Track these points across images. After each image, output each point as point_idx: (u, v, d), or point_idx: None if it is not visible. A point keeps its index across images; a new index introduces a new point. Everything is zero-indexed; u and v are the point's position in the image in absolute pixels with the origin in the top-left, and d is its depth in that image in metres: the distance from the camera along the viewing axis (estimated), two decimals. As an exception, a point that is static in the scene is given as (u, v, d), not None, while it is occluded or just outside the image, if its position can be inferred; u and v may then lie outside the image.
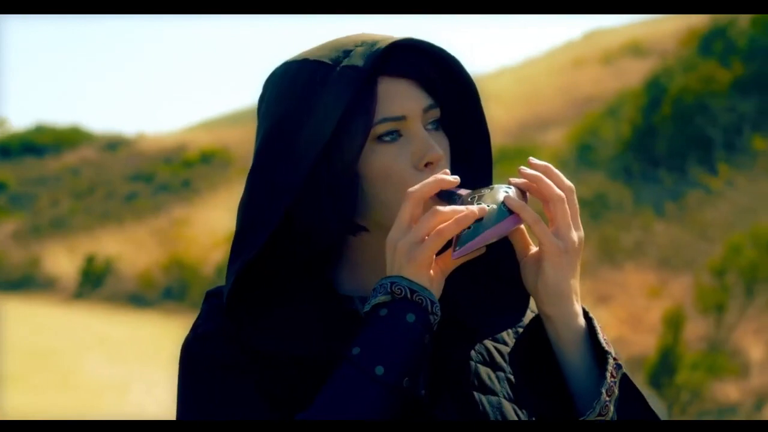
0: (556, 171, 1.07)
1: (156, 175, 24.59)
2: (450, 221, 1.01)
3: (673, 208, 9.72)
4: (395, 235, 1.03)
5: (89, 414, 7.17)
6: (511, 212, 1.04)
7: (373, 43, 1.08)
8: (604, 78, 17.65)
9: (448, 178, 1.05)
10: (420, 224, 1.02)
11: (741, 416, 6.29)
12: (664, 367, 6.55)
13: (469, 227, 1.02)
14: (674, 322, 6.63)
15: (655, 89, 12.29)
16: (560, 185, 1.06)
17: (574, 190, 1.07)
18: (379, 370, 1.00)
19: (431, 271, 1.03)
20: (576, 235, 1.05)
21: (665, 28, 17.41)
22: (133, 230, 18.97)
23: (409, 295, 1.01)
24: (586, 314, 1.08)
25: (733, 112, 10.79)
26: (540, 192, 1.06)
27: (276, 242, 1.10)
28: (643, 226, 9.14)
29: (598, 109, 14.24)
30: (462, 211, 1.02)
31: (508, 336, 1.16)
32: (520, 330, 1.15)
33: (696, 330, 7.04)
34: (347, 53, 1.09)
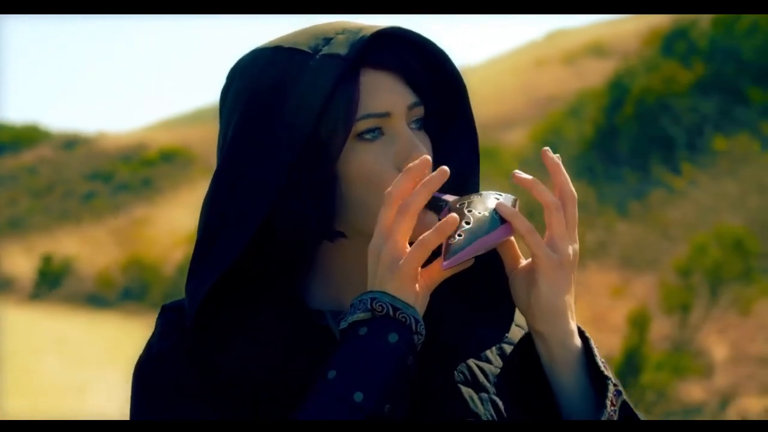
0: (564, 173, 0.98)
1: (115, 174, 24.40)
2: (431, 230, 0.92)
3: (636, 208, 9.78)
4: (377, 242, 0.94)
5: (47, 417, 7.04)
6: (503, 221, 0.96)
7: (357, 31, 0.99)
8: (565, 78, 17.79)
9: (432, 174, 0.95)
10: (395, 229, 0.93)
11: (706, 416, 6.32)
12: (629, 367, 6.56)
13: (459, 235, 0.94)
14: (639, 323, 6.64)
15: (617, 89, 12.38)
16: (563, 191, 0.98)
17: (576, 198, 0.98)
18: (358, 396, 0.90)
19: (416, 286, 0.93)
20: (572, 247, 0.97)
21: (627, 29, 17.57)
22: (91, 230, 18.86)
23: (391, 313, 0.92)
24: (581, 333, 1.00)
25: (695, 112, 10.88)
26: (536, 197, 0.97)
27: (247, 249, 0.99)
28: (606, 225, 9.18)
29: (560, 108, 14.34)
30: (448, 216, 0.93)
31: (491, 353, 1.04)
32: (504, 347, 1.05)
33: (660, 330, 7.08)
34: (327, 41, 0.99)
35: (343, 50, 0.97)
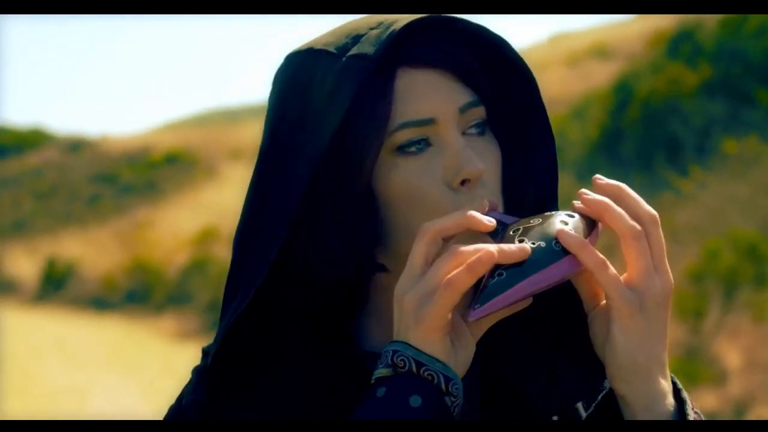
0: (632, 194, 0.80)
1: (119, 177, 24.45)
2: (461, 267, 0.76)
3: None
4: (404, 284, 0.78)
5: (48, 419, 7.01)
6: (566, 252, 0.78)
7: (390, 24, 0.83)
8: (569, 80, 17.77)
9: (478, 216, 0.79)
10: (432, 270, 0.77)
11: (719, 423, 6.21)
12: None
13: (499, 274, 0.77)
14: None
15: (622, 91, 12.34)
16: (637, 215, 0.79)
17: (659, 221, 0.80)
18: None
19: (447, 336, 0.77)
20: (659, 283, 0.78)
21: (630, 31, 17.54)
22: (95, 232, 18.90)
23: (414, 369, 0.75)
24: (676, 393, 0.81)
25: (702, 115, 10.83)
26: (608, 225, 0.79)
27: (275, 282, 0.86)
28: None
29: (564, 111, 14.31)
30: (482, 251, 0.76)
31: (578, 408, 0.88)
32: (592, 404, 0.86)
33: (672, 336, 7.00)
34: (357, 39, 0.84)
35: (371, 49, 0.82)
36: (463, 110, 0.85)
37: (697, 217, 8.87)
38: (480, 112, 0.86)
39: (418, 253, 0.78)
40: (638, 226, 0.79)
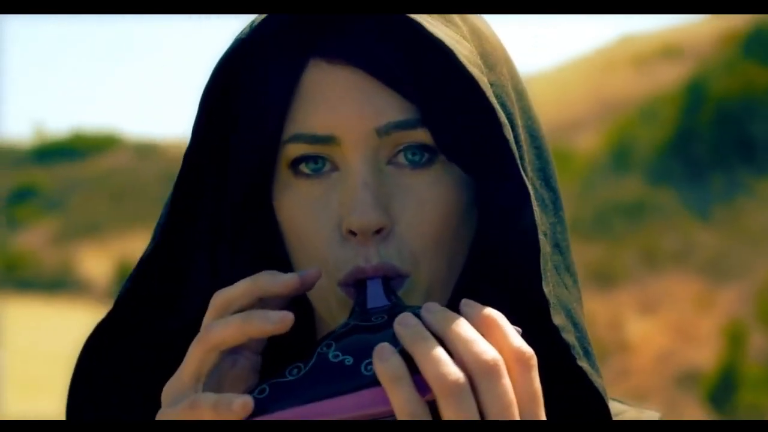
0: (461, 325, 0.54)
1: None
2: (191, 371, 0.57)
3: (718, 213, 9.56)
4: (168, 390, 0.58)
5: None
6: (373, 383, 0.54)
7: None
8: (636, 82, 17.56)
9: (262, 323, 0.56)
10: (187, 361, 0.58)
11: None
12: (725, 385, 6.11)
13: (262, 389, 0.56)
14: (735, 337, 6.22)
15: (694, 92, 12.16)
16: (469, 358, 0.53)
17: (503, 368, 0.53)
18: None
19: None
20: None
21: (700, 32, 17.28)
22: (166, 233, 19.20)
23: None
24: None
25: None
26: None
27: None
28: (686, 231, 8.99)
29: (631, 112, 14.14)
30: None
31: None
32: None
33: (757, 344, 6.71)
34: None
35: (251, 27, 0.62)
36: (383, 132, 0.60)
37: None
38: (416, 136, 0.61)
39: (189, 363, 0.57)
40: (461, 376, 0.52)
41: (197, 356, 0.57)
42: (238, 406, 0.54)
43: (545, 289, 0.60)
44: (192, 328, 0.61)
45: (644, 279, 7.68)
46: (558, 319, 0.61)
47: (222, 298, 0.58)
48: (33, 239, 23.43)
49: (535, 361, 0.54)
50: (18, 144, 36.43)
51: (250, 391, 0.56)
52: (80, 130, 35.20)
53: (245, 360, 0.59)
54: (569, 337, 0.61)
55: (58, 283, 18.87)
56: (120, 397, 0.68)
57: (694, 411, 5.67)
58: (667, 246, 8.13)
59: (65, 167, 30.92)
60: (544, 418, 0.54)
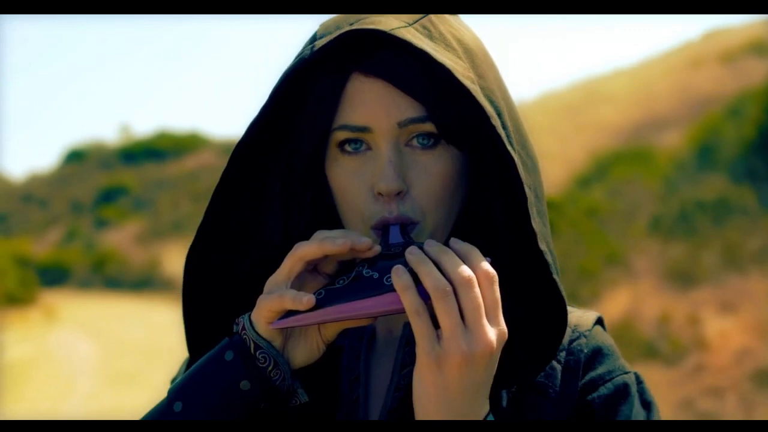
0: (452, 256, 0.82)
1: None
2: (283, 268, 0.86)
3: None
4: (268, 284, 0.88)
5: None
6: (392, 290, 0.82)
7: (354, 23, 0.88)
8: (723, 78, 17.18)
9: (331, 245, 0.84)
10: (280, 271, 0.87)
11: None
12: None
13: (320, 293, 0.84)
14: None
15: (781, 89, 11.85)
16: (450, 276, 0.81)
17: (473, 283, 0.80)
18: (177, 405, 0.86)
19: (268, 321, 0.86)
20: (467, 344, 0.79)
21: (791, 26, 16.81)
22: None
23: (240, 332, 0.87)
24: None
25: None
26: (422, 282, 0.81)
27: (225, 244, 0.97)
28: (768, 230, 8.80)
29: (717, 110, 13.84)
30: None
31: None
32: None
33: None
34: (332, 30, 0.89)
35: (322, 44, 0.88)
36: (402, 125, 0.88)
37: None
38: (425, 127, 0.88)
39: (283, 268, 0.86)
40: (447, 286, 0.79)
41: (288, 264, 0.86)
42: (306, 300, 0.83)
43: (533, 225, 0.87)
44: (273, 255, 0.92)
45: (725, 278, 7.54)
46: (542, 245, 0.88)
47: (298, 254, 0.86)
48: (120, 238, 23.96)
49: (496, 279, 0.82)
50: (105, 145, 37.36)
51: (315, 293, 0.85)
52: (166, 130, 35.93)
53: (319, 275, 0.88)
54: (549, 257, 0.88)
55: (144, 282, 19.25)
56: (222, 304, 0.96)
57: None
58: (749, 245, 7.97)
59: (151, 167, 31.62)
60: (502, 320, 0.82)
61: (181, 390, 0.88)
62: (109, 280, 20.41)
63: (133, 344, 11.10)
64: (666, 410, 5.97)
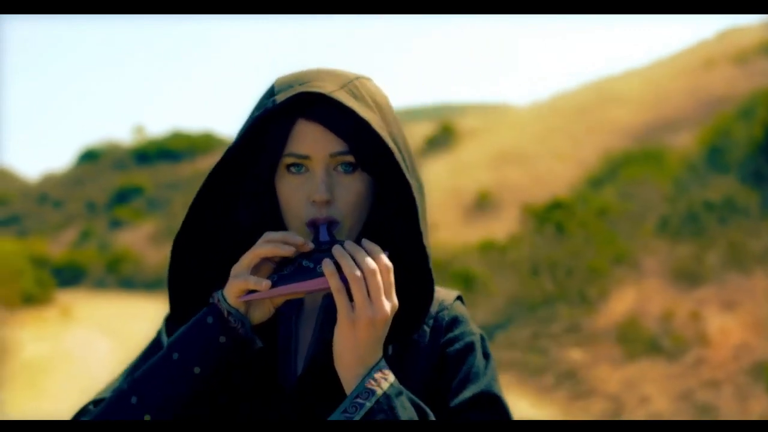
0: (361, 253, 1.20)
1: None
2: (245, 264, 1.22)
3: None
4: (234, 269, 1.24)
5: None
6: (322, 276, 1.19)
7: (302, 84, 1.27)
8: (737, 78, 17.16)
9: (281, 249, 1.21)
10: (242, 260, 1.23)
11: None
12: None
13: (272, 277, 1.22)
14: None
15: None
16: (360, 266, 1.19)
17: (376, 272, 1.19)
18: (175, 355, 1.23)
19: (237, 295, 1.22)
20: (371, 312, 1.18)
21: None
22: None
23: (215, 302, 1.24)
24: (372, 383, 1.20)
25: None
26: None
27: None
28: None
29: (730, 111, 13.84)
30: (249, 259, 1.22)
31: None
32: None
33: None
34: (288, 87, 1.27)
35: (280, 99, 1.26)
36: (333, 155, 1.26)
37: None
38: (347, 158, 1.26)
39: (244, 260, 1.23)
40: (358, 273, 1.18)
41: (249, 258, 1.23)
42: (265, 284, 1.20)
43: (421, 227, 1.26)
44: (241, 243, 1.30)
45: (728, 278, 7.60)
46: (426, 241, 1.27)
47: (254, 252, 1.23)
48: (134, 239, 24.04)
49: (392, 268, 1.21)
50: (119, 145, 37.45)
51: (269, 277, 1.22)
52: (179, 131, 36.04)
53: (272, 264, 1.24)
54: (428, 251, 1.28)
55: (158, 282, 19.32)
56: (202, 271, 1.33)
57: (761, 400, 5.64)
58: (753, 246, 8.02)
59: (165, 168, 31.72)
60: (395, 296, 1.20)
61: (176, 343, 1.24)
62: (123, 280, 20.51)
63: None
64: (665, 402, 6.07)
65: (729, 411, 5.64)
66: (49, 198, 33.12)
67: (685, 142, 14.12)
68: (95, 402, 1.36)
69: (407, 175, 1.26)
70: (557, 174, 16.99)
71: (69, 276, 20.92)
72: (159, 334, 1.41)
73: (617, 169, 14.28)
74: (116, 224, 26.96)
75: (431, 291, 1.29)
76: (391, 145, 1.25)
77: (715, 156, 12.15)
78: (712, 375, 6.09)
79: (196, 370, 1.22)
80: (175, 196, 27.55)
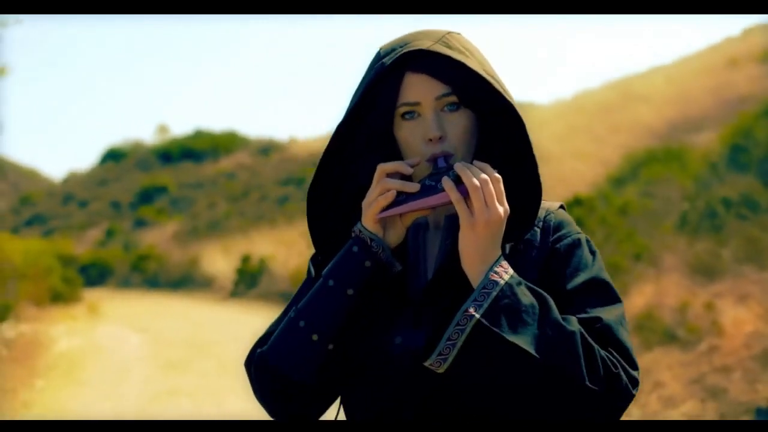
0: (480, 164, 1.40)
1: (306, 179, 25.05)
2: (381, 192, 1.42)
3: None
4: (367, 194, 1.45)
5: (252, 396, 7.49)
6: (443, 191, 1.39)
7: (404, 45, 1.47)
8: (761, 77, 17.05)
9: (403, 168, 1.43)
10: (371, 190, 1.44)
11: None
12: None
13: (402, 196, 1.42)
14: None
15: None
16: (479, 176, 1.38)
17: (489, 181, 1.38)
18: (330, 282, 1.45)
19: (376, 221, 1.44)
20: (487, 215, 1.37)
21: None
22: (285, 232, 19.40)
23: (357, 233, 1.45)
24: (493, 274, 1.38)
25: None
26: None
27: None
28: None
29: (754, 109, 13.79)
30: (390, 185, 1.42)
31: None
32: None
33: None
34: (392, 51, 1.48)
35: (389, 60, 1.47)
36: (438, 98, 1.46)
37: None
38: (451, 99, 1.47)
39: (375, 181, 1.43)
40: (476, 182, 1.37)
41: (376, 179, 1.44)
42: (411, 185, 1.41)
43: (531, 142, 1.46)
44: (364, 188, 1.50)
45: (745, 272, 7.66)
46: (536, 154, 1.48)
47: (381, 167, 1.44)
48: (158, 238, 24.14)
49: (501, 180, 1.40)
50: (143, 145, 37.60)
51: (397, 199, 1.42)
52: (203, 130, 36.17)
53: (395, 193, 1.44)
54: (538, 163, 1.48)
55: (182, 281, 19.40)
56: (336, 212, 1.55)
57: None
58: (766, 243, 8.04)
59: (188, 167, 31.82)
60: (506, 202, 1.40)
61: (330, 272, 1.46)
62: (148, 279, 20.64)
63: (178, 338, 11.36)
64: (678, 386, 6.16)
65: (738, 394, 5.76)
66: (74, 198, 33.36)
67: (708, 141, 14.10)
68: (261, 341, 1.55)
69: (506, 96, 1.45)
70: (580, 173, 16.96)
71: (94, 275, 21.09)
72: (308, 272, 1.59)
73: (639, 168, 14.28)
74: (140, 224, 27.11)
75: (539, 195, 1.48)
76: (488, 77, 1.45)
77: (736, 155, 12.15)
78: (723, 361, 6.19)
79: (350, 291, 1.44)
80: (198, 196, 27.65)
